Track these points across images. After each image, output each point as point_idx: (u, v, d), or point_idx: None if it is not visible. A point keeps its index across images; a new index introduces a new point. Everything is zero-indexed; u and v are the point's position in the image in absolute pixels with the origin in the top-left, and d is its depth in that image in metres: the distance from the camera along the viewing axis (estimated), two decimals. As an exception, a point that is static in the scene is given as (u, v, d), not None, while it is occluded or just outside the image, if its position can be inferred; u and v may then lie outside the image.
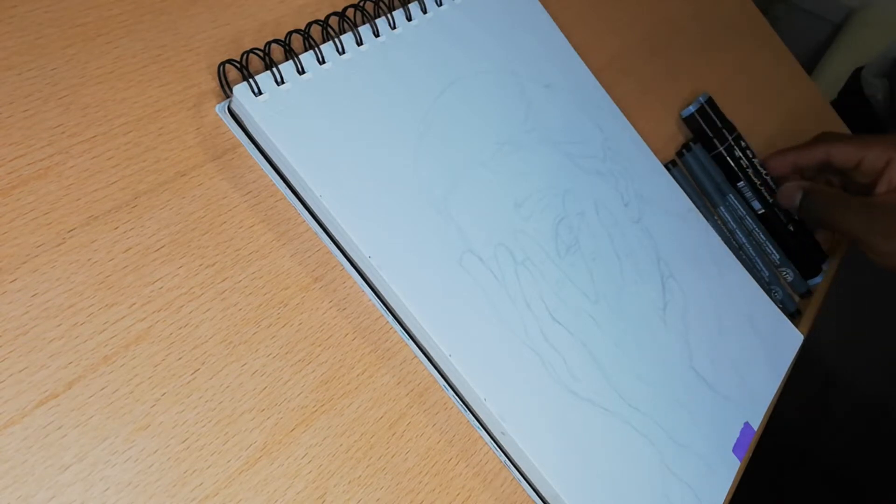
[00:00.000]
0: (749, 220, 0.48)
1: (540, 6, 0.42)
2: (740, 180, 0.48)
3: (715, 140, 0.48)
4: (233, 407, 0.25)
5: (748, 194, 0.48)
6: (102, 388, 0.23)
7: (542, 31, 0.41)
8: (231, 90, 0.28)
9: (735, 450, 0.37)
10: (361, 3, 0.33)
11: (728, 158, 0.48)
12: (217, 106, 0.29)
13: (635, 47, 0.49)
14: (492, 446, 0.30)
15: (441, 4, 0.36)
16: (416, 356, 0.30)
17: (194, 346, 0.25)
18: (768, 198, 0.49)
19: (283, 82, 0.29)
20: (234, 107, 0.29)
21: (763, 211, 0.48)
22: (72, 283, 0.24)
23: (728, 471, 0.36)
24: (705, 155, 0.48)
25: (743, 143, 0.49)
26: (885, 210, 0.44)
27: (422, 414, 0.29)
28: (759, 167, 0.49)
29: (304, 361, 0.27)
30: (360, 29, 0.32)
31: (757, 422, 0.39)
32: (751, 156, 0.49)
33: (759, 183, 0.48)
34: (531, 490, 0.31)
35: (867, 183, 0.48)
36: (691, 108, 0.48)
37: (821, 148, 0.48)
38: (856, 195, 0.48)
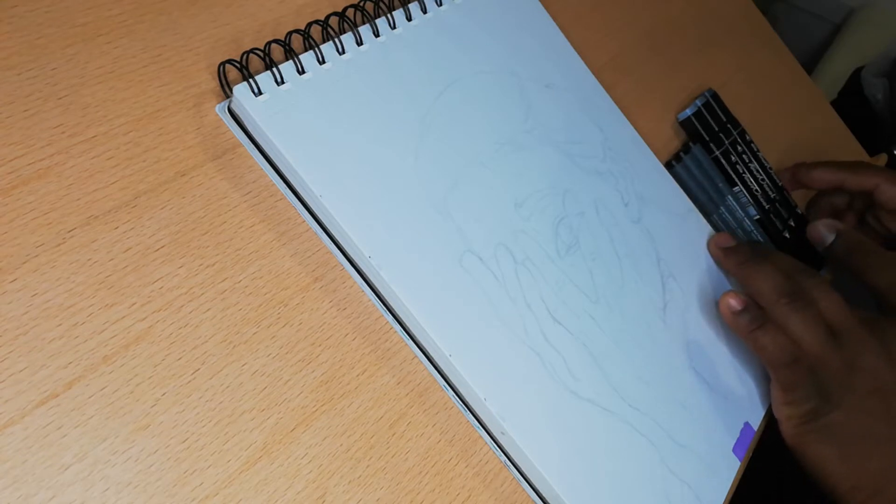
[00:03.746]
0: (748, 223, 0.48)
1: (540, 6, 0.42)
2: (736, 185, 0.48)
3: (711, 144, 0.47)
4: (233, 407, 0.25)
5: (743, 200, 0.48)
6: (102, 388, 0.23)
7: (542, 31, 0.41)
8: (231, 90, 0.28)
9: (735, 450, 0.37)
10: (361, 3, 0.33)
11: (724, 163, 0.48)
12: (217, 106, 0.29)
13: (635, 47, 0.49)
14: (492, 446, 0.30)
15: (441, 4, 0.36)
16: (416, 356, 0.30)
17: (194, 346, 0.25)
18: (764, 204, 0.49)
19: (283, 82, 0.29)
20: (234, 107, 0.29)
21: (758, 217, 0.48)
22: (72, 283, 0.24)
23: (728, 471, 0.36)
24: (704, 156, 0.48)
25: (740, 147, 0.49)
26: None
27: (422, 414, 0.29)
28: (756, 171, 0.49)
29: (304, 361, 0.27)
30: (360, 29, 0.32)
31: (757, 422, 0.39)
32: (747, 160, 0.49)
33: (755, 188, 0.48)
34: (531, 490, 0.31)
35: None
36: (688, 112, 0.48)
37: (873, 179, 0.48)
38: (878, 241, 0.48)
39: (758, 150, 0.50)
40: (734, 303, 0.38)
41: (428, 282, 0.30)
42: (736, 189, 0.48)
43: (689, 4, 0.56)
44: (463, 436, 0.30)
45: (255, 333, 0.27)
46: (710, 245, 0.43)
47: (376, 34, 0.33)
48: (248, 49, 0.29)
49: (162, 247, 0.26)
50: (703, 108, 0.48)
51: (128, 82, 0.28)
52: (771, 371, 0.38)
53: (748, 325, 0.37)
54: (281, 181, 0.29)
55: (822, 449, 0.36)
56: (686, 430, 0.35)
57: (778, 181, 0.50)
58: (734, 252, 0.42)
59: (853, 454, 0.36)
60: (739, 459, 0.37)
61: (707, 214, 0.45)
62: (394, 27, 0.34)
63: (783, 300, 0.37)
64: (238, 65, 0.28)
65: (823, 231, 0.46)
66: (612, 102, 0.43)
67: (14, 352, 0.22)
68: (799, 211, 0.50)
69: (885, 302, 0.44)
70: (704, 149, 0.48)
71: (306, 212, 0.30)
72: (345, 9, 0.32)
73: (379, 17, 0.33)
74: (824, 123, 0.62)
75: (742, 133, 0.49)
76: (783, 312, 0.37)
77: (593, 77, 0.42)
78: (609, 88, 0.43)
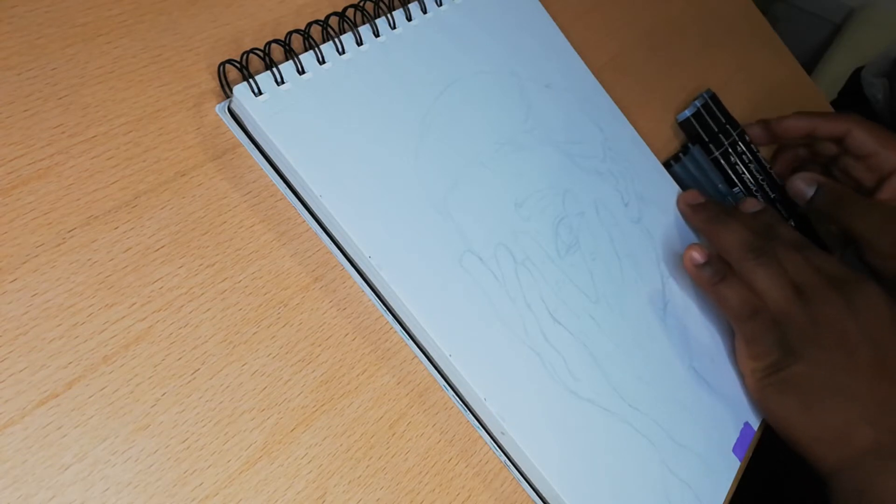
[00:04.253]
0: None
1: (540, 6, 0.42)
2: (736, 185, 0.48)
3: (710, 145, 0.47)
4: (233, 407, 0.25)
5: None
6: (102, 388, 0.23)
7: (542, 31, 0.41)
8: (231, 90, 0.28)
9: (735, 450, 0.37)
10: (361, 4, 0.33)
11: (723, 164, 0.48)
12: (217, 106, 0.29)
13: (635, 47, 0.49)
14: (492, 446, 0.30)
15: (441, 4, 0.36)
16: (416, 356, 0.30)
17: (194, 346, 0.25)
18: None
19: (283, 82, 0.29)
20: (234, 107, 0.29)
21: None
22: (72, 283, 0.24)
23: (728, 471, 0.36)
24: (703, 157, 0.48)
25: (739, 148, 0.49)
26: None
27: (422, 414, 0.29)
28: (756, 172, 0.49)
29: (304, 361, 0.27)
30: (360, 29, 0.32)
31: (757, 422, 0.39)
32: (747, 160, 0.49)
33: (754, 189, 0.48)
34: (531, 490, 0.31)
35: (866, 177, 0.48)
36: (686, 113, 0.48)
37: (845, 125, 0.48)
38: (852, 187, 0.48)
39: (757, 151, 0.50)
40: (697, 256, 0.38)
41: (428, 282, 0.30)
42: (735, 190, 0.48)
43: (689, 4, 0.56)
44: (463, 436, 0.30)
45: (255, 333, 0.27)
46: (679, 202, 0.43)
47: (376, 34, 0.33)
48: (248, 49, 0.29)
49: (162, 247, 0.26)
50: (701, 109, 0.48)
51: (128, 82, 0.28)
52: (733, 324, 0.38)
53: (711, 279, 0.38)
54: (281, 181, 0.29)
55: (785, 400, 0.36)
56: (686, 430, 0.35)
57: (779, 180, 0.50)
58: (702, 208, 0.42)
59: (815, 406, 0.36)
60: (739, 459, 0.37)
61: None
62: (394, 27, 0.34)
63: (749, 256, 0.38)
64: (238, 65, 0.28)
65: (803, 185, 0.46)
66: (612, 102, 0.43)
67: (14, 352, 0.22)
68: (799, 209, 0.50)
69: (871, 248, 0.44)
70: (703, 150, 0.48)
71: (306, 212, 0.30)
72: (345, 9, 0.32)
73: (379, 17, 0.33)
74: (824, 123, 0.62)
75: (742, 133, 0.49)
76: (749, 268, 0.38)
77: (593, 77, 0.42)
78: (609, 88, 0.43)
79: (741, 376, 0.39)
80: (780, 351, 0.36)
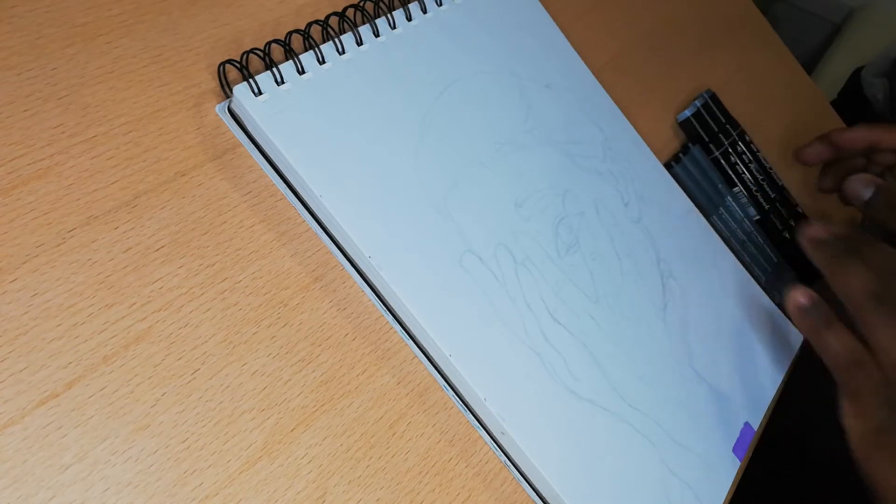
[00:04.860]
0: (747, 224, 0.48)
1: (540, 6, 0.42)
2: (736, 185, 0.48)
3: (711, 145, 0.47)
4: (233, 407, 0.25)
5: (742, 200, 0.48)
6: (102, 388, 0.23)
7: (542, 31, 0.41)
8: (231, 90, 0.28)
9: (735, 450, 0.37)
10: (361, 4, 0.33)
11: (724, 164, 0.48)
12: (217, 106, 0.29)
13: (635, 47, 0.49)
14: (492, 446, 0.30)
15: (441, 4, 0.36)
16: (416, 356, 0.30)
17: (194, 346, 0.25)
18: (764, 204, 0.49)
19: (283, 82, 0.29)
20: (234, 107, 0.29)
21: (758, 217, 0.48)
22: (72, 283, 0.24)
23: (728, 471, 0.36)
24: (703, 157, 0.48)
25: (739, 148, 0.49)
26: None
27: (422, 414, 0.29)
28: (756, 171, 0.49)
29: (304, 361, 0.27)
30: (360, 29, 0.32)
31: (757, 422, 0.39)
32: (747, 160, 0.49)
33: (755, 189, 0.48)
34: (531, 490, 0.31)
35: None
36: (686, 113, 0.48)
37: None
38: None
39: (758, 151, 0.50)
40: (802, 299, 0.36)
41: (428, 282, 0.29)
42: (735, 189, 0.48)
43: (689, 4, 0.56)
44: (463, 436, 0.30)
45: (255, 333, 0.27)
46: (802, 236, 0.39)
47: (376, 34, 0.33)
48: (248, 49, 0.29)
49: (162, 247, 0.26)
50: (701, 109, 0.48)
51: (128, 82, 0.28)
52: (836, 375, 0.35)
53: (815, 324, 0.35)
54: (281, 181, 0.29)
55: (890, 468, 0.32)
56: (686, 430, 0.35)
57: (778, 181, 0.50)
58: (825, 246, 0.38)
59: None
60: (739, 459, 0.37)
61: (707, 216, 0.45)
62: (394, 27, 0.34)
63: (871, 305, 0.34)
64: (238, 65, 0.28)
65: (860, 187, 0.44)
66: (612, 102, 0.43)
67: (14, 352, 0.22)
68: (800, 210, 0.50)
69: None
70: (703, 150, 0.48)
71: (306, 212, 0.30)
72: (345, 9, 0.32)
73: (379, 17, 0.33)
74: (824, 123, 0.62)
75: (742, 134, 0.49)
76: (870, 319, 0.34)
77: (593, 77, 0.42)
78: (609, 88, 0.43)
79: (844, 431, 0.35)
80: (889, 410, 0.33)
